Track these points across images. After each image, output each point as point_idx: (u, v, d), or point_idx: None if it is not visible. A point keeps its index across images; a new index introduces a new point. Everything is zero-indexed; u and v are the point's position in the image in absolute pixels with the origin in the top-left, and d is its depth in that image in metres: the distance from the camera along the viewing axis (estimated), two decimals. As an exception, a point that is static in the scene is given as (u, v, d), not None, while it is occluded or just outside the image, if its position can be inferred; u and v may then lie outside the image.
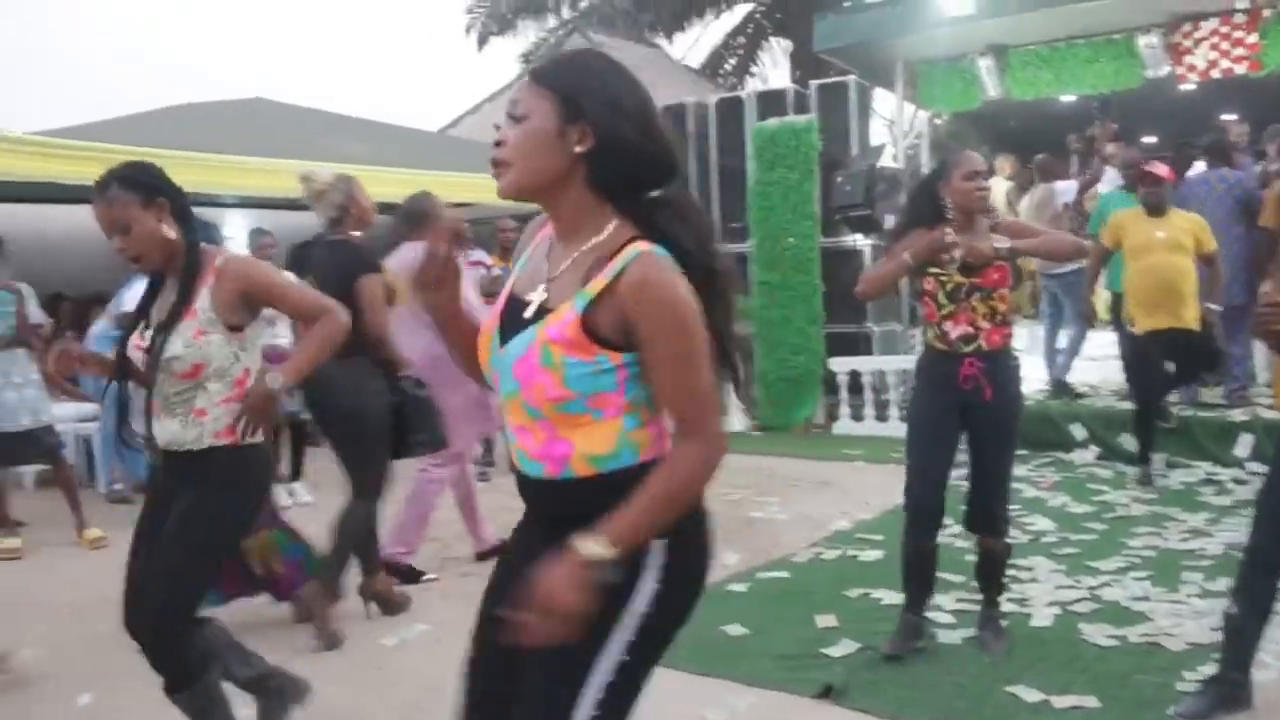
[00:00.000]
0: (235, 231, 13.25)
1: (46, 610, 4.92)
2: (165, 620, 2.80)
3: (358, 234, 4.63)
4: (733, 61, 23.41)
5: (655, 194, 1.81)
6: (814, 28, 10.37)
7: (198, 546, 2.82)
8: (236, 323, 2.89)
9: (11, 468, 6.68)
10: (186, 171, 8.67)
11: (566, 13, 21.09)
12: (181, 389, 2.85)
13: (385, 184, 9.95)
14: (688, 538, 1.83)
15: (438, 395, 4.59)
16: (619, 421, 1.77)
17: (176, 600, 2.80)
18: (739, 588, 4.80)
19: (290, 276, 3.18)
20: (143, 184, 2.87)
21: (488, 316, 1.91)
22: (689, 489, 1.75)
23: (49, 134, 7.94)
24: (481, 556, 5.35)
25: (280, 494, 6.79)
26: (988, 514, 3.84)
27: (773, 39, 22.94)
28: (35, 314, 6.28)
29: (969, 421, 3.81)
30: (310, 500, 6.80)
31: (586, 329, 1.71)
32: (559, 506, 1.81)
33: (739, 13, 22.86)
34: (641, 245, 1.73)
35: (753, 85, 22.29)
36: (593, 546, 1.67)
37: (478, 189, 10.25)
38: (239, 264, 2.95)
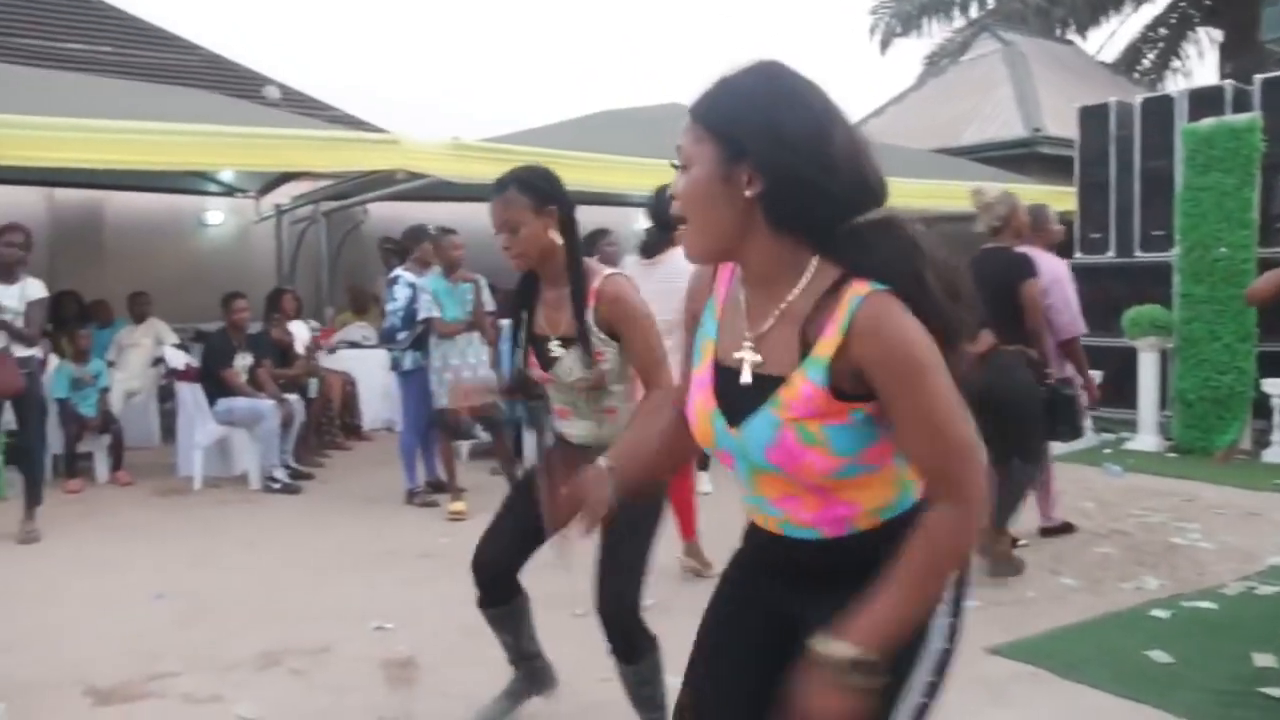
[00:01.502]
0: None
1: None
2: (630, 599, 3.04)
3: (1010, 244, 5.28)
4: (1151, 56, 21.96)
5: (859, 220, 1.53)
6: (1260, 14, 9.54)
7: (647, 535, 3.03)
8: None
9: (462, 440, 7.53)
10: (605, 173, 9.37)
11: (975, 11, 20.59)
12: (589, 396, 3.05)
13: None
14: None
15: None
16: (893, 467, 1.61)
17: (637, 583, 3.04)
18: (1161, 614, 4.57)
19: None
20: (538, 189, 2.99)
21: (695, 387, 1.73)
22: (951, 563, 1.56)
23: (496, 140, 8.78)
24: (1045, 533, 5.92)
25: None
26: None
27: (1200, 29, 21.27)
28: (489, 302, 6.96)
29: None
30: (709, 490, 7.03)
31: (834, 393, 1.53)
32: (833, 563, 1.67)
33: (1161, 2, 21.37)
34: (860, 287, 1.50)
35: (1173, 81, 20.81)
36: (843, 650, 1.49)
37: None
38: (614, 290, 2.96)
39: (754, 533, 1.80)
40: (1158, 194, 9.41)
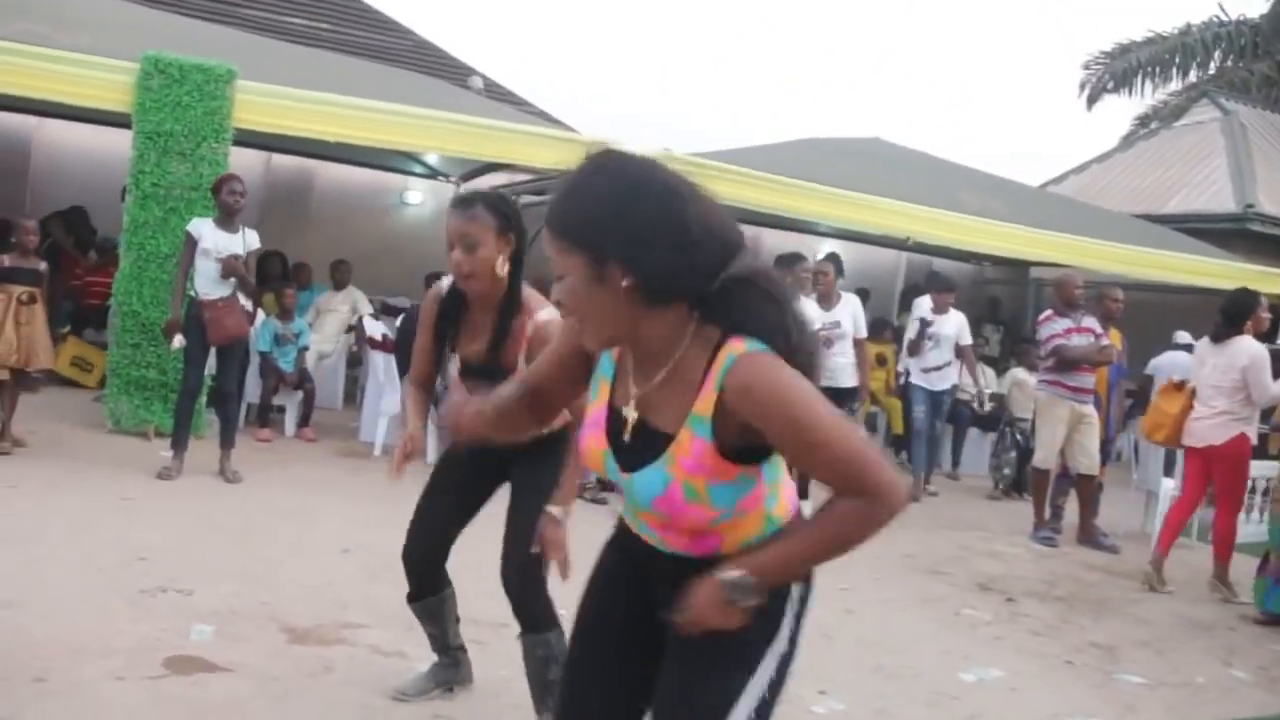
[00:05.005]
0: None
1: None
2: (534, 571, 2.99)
3: None
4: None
5: (726, 278, 1.70)
6: None
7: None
8: None
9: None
10: (799, 199, 9.42)
11: (1194, 75, 19.83)
12: None
13: (987, 236, 10.06)
14: (810, 575, 1.87)
15: None
16: (762, 507, 1.80)
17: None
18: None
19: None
20: (505, 215, 3.01)
21: (591, 424, 1.86)
22: (848, 535, 1.70)
23: (705, 155, 8.94)
24: None
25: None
26: None
27: None
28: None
29: None
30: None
31: (723, 453, 1.70)
32: (697, 571, 1.78)
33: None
34: (735, 346, 1.68)
35: None
36: (731, 572, 1.71)
37: (1078, 251, 10.04)
38: (548, 338, 2.80)
39: (627, 535, 1.97)
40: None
